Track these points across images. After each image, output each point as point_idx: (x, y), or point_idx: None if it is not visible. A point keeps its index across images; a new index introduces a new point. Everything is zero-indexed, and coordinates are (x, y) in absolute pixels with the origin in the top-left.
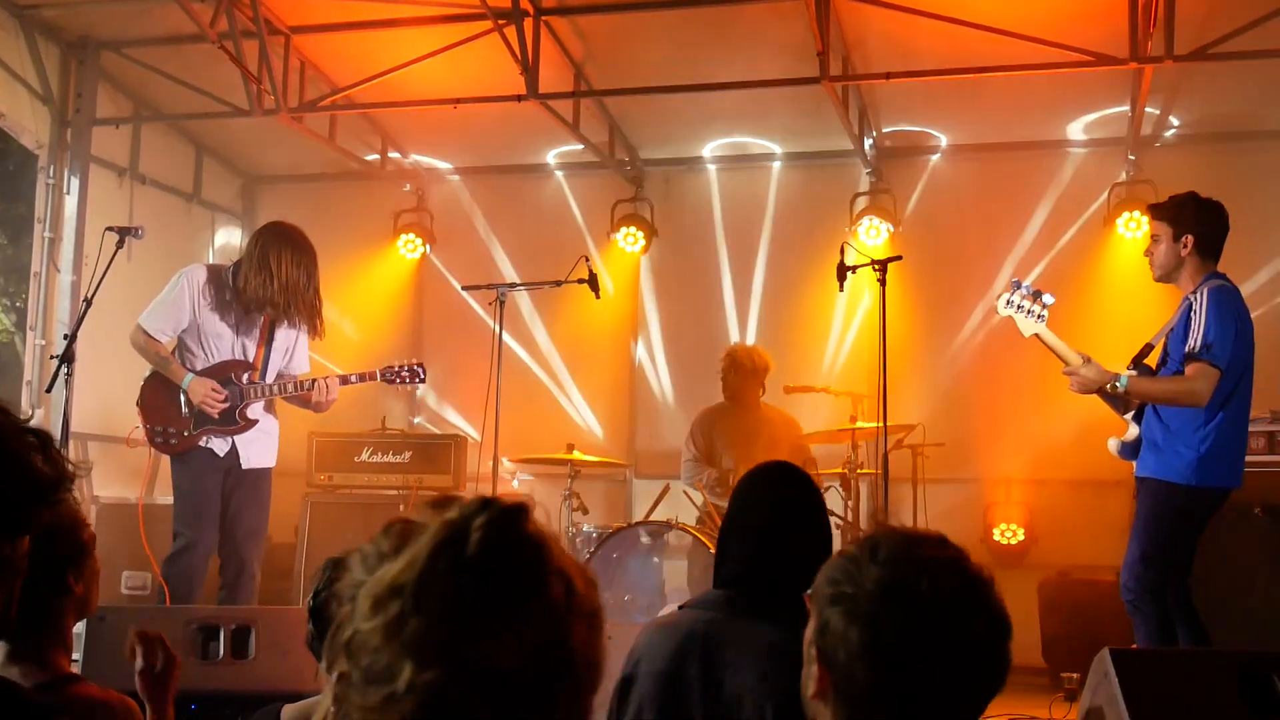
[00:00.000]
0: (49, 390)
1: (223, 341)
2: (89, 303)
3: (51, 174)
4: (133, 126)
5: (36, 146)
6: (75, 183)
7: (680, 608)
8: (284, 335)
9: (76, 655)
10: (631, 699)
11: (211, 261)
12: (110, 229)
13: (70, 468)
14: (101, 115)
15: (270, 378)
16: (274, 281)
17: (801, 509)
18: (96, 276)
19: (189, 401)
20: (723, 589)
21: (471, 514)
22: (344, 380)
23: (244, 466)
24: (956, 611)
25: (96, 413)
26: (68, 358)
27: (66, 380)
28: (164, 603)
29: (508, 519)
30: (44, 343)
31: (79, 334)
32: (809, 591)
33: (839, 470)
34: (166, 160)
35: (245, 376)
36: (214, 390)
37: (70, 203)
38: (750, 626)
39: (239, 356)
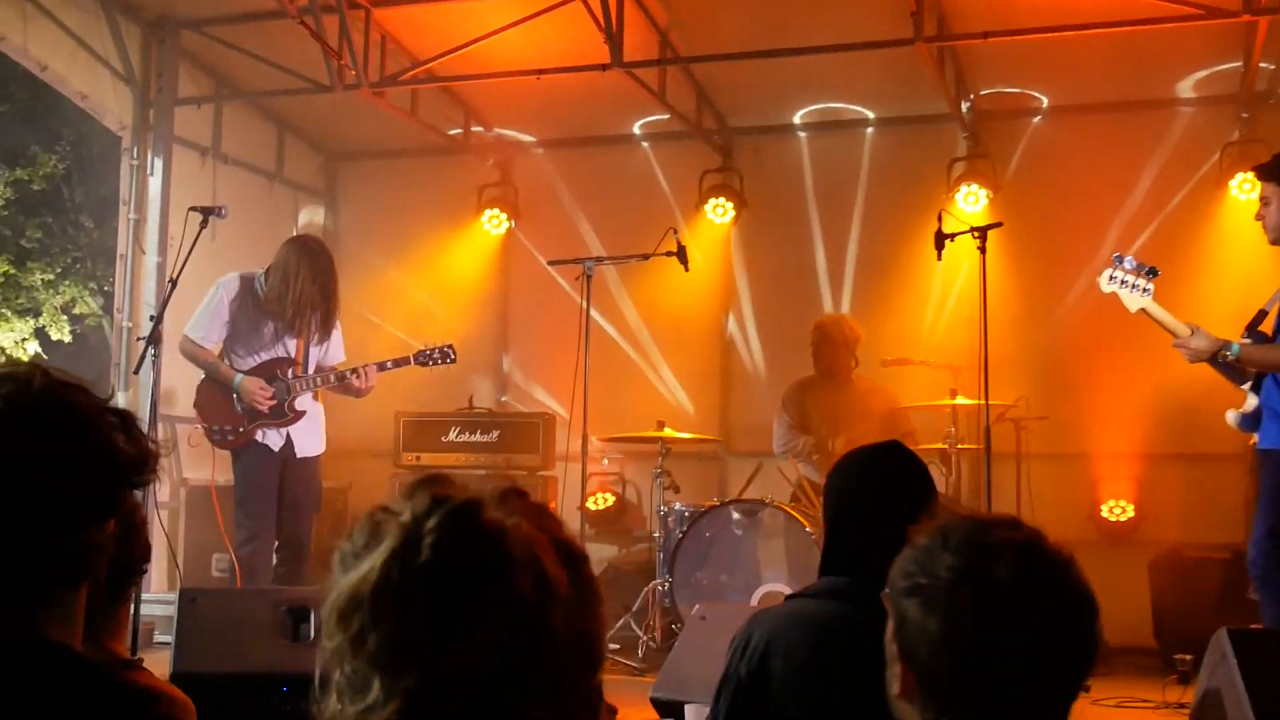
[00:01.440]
0: (136, 372)
1: (264, 341)
2: (174, 283)
3: (135, 155)
4: (214, 106)
5: (120, 128)
6: (159, 163)
7: (789, 597)
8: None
9: (167, 637)
10: (769, 697)
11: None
12: (194, 209)
13: (154, 446)
14: (183, 95)
15: (311, 370)
16: (289, 294)
17: (917, 488)
18: (181, 257)
19: (241, 399)
20: (842, 575)
21: (422, 516)
22: (381, 367)
23: (298, 455)
24: (1035, 593)
25: (184, 394)
26: (154, 339)
27: (154, 362)
28: (236, 584)
29: (460, 517)
30: (131, 325)
31: (165, 315)
32: (885, 590)
33: (939, 445)
34: (248, 139)
35: (289, 372)
36: (262, 388)
37: (154, 184)
38: (885, 615)
39: (281, 354)
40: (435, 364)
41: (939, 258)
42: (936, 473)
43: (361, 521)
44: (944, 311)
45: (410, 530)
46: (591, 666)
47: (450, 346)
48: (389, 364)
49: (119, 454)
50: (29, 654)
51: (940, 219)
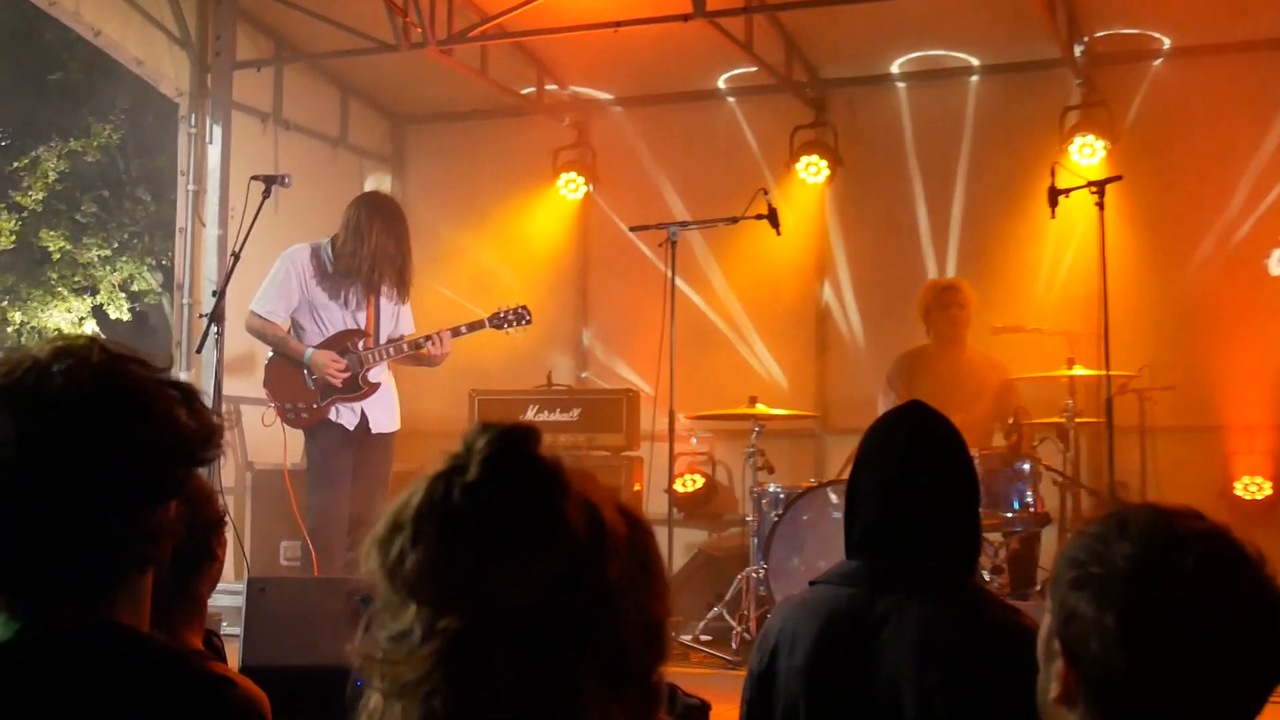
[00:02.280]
0: (199, 351)
1: (333, 313)
2: (237, 257)
3: (193, 123)
4: (274, 69)
5: (176, 94)
6: (218, 131)
7: (812, 583)
8: (389, 299)
9: (236, 629)
10: (776, 700)
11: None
12: (255, 178)
13: (217, 420)
14: (242, 58)
15: (382, 342)
16: (363, 248)
17: (938, 458)
18: (243, 229)
19: (313, 375)
20: (858, 559)
21: (472, 439)
22: (455, 332)
23: (373, 431)
24: (1225, 590)
25: (250, 374)
26: (217, 316)
27: (216, 340)
28: (312, 572)
29: (513, 440)
30: (191, 301)
31: (227, 290)
32: (1048, 578)
33: (1055, 419)
34: (311, 103)
35: (360, 343)
36: (334, 361)
37: (213, 152)
38: (900, 603)
39: (351, 326)
40: (511, 326)
41: (1052, 215)
42: (1054, 449)
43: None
44: (1059, 274)
45: (459, 454)
46: (650, 650)
47: (524, 308)
48: (463, 329)
49: (182, 430)
50: (96, 637)
51: (1053, 173)
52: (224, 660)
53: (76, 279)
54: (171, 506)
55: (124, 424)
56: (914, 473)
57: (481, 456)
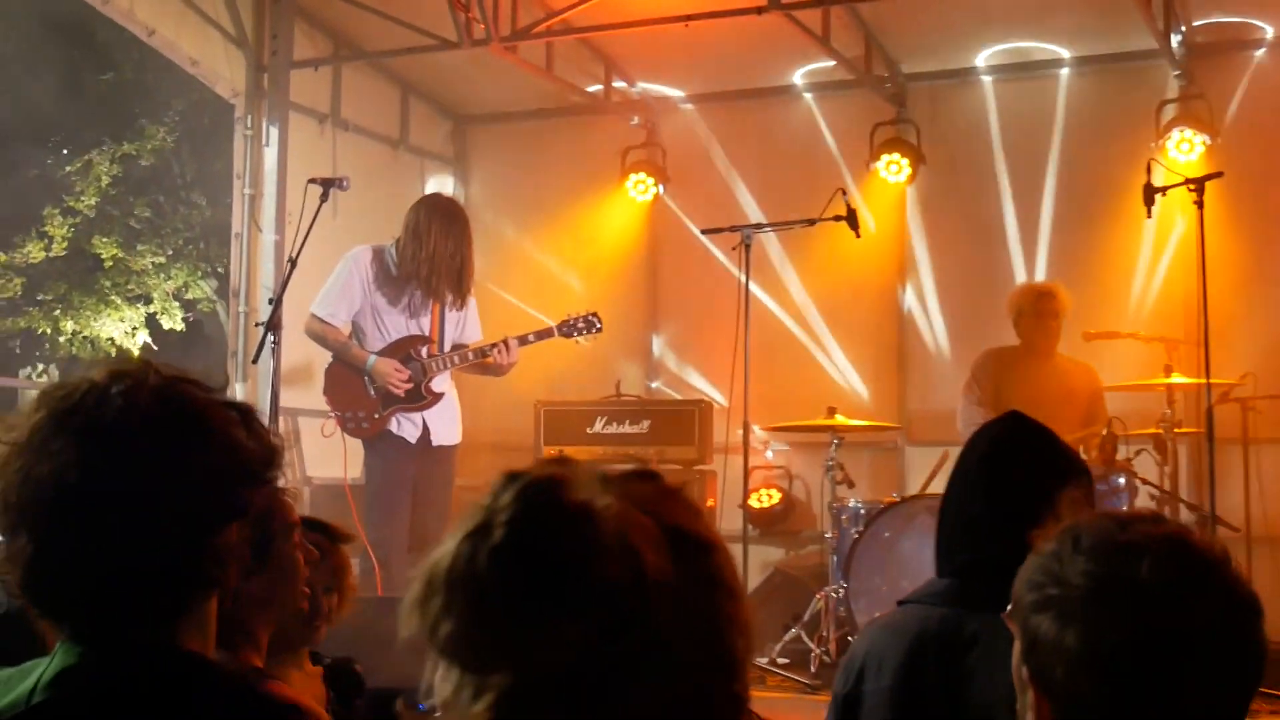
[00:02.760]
0: (255, 361)
1: (396, 318)
2: (294, 263)
3: (249, 124)
4: (333, 68)
5: (232, 95)
6: (274, 133)
7: (901, 603)
8: (449, 305)
9: None
10: (862, 717)
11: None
12: (313, 181)
13: (277, 440)
14: (299, 57)
15: (447, 349)
16: (420, 252)
17: (1042, 471)
18: (300, 234)
19: (374, 383)
20: (952, 577)
21: (497, 494)
22: (522, 340)
23: (434, 444)
24: (1187, 595)
25: (306, 384)
26: (273, 325)
27: (273, 349)
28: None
29: (536, 495)
30: (247, 310)
31: (284, 298)
32: (1007, 609)
33: (1152, 430)
34: (370, 104)
35: (424, 350)
36: (397, 369)
37: (270, 155)
38: (994, 622)
39: (414, 332)
40: (581, 334)
41: (1149, 215)
42: (1149, 461)
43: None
44: (1155, 277)
45: (485, 511)
46: (719, 671)
47: (595, 315)
48: (530, 337)
49: (242, 450)
50: (166, 664)
51: (1149, 170)
52: (361, 689)
53: (130, 287)
54: (234, 529)
55: (184, 446)
56: (1019, 487)
57: (506, 517)
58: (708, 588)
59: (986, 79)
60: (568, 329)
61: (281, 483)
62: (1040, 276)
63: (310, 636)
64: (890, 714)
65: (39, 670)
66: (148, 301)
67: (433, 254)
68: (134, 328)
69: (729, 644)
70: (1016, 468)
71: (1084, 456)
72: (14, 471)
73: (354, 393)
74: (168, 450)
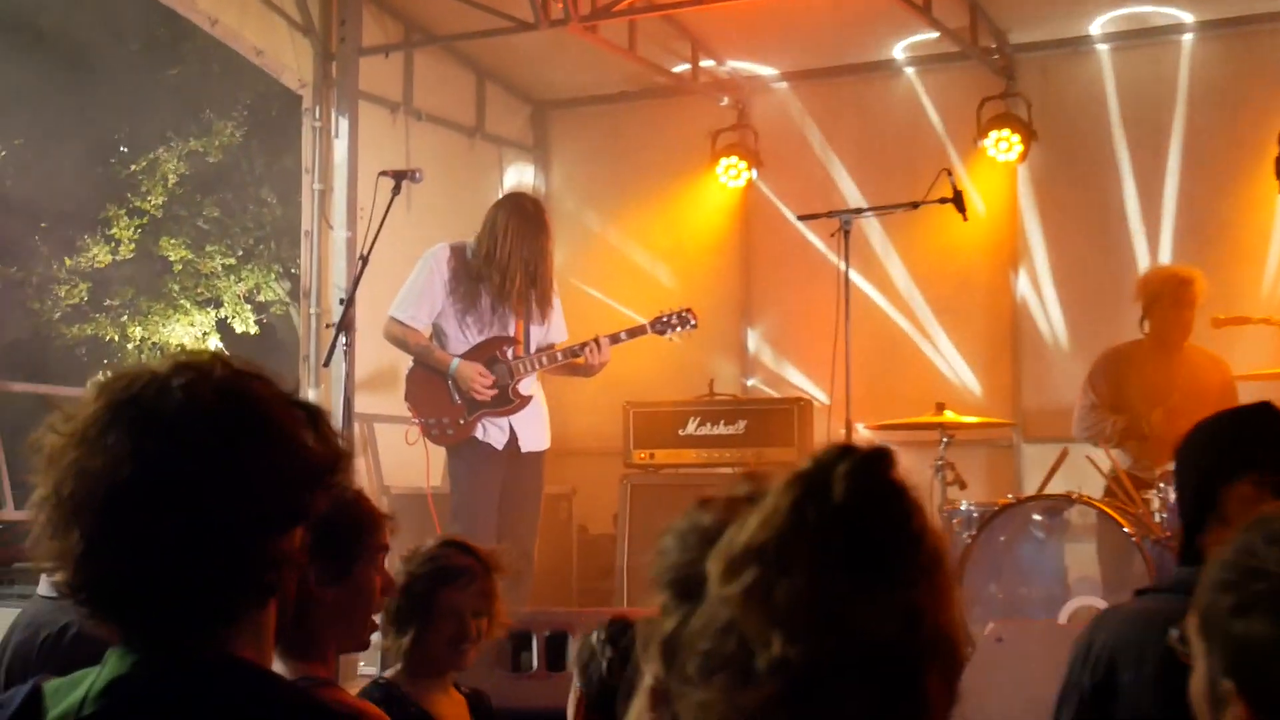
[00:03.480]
0: (326, 364)
1: (479, 319)
2: (365, 260)
3: (317, 116)
4: (404, 54)
5: (299, 86)
6: (344, 124)
7: (1139, 592)
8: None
9: (372, 668)
10: (1119, 715)
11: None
12: (385, 174)
13: (344, 445)
14: (368, 44)
15: (533, 350)
16: (496, 255)
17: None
18: (372, 230)
19: (458, 387)
20: (1195, 564)
21: (831, 461)
22: (614, 339)
23: (523, 450)
24: None
25: (383, 389)
26: (345, 325)
27: (345, 352)
28: None
29: (875, 463)
30: (319, 311)
31: (357, 297)
32: (1174, 633)
33: None
34: (444, 91)
35: (510, 352)
36: (481, 373)
37: (340, 147)
38: None
39: (499, 333)
40: (674, 331)
41: None
42: None
43: (696, 505)
44: None
45: (817, 474)
46: (959, 668)
47: (689, 311)
48: (623, 335)
49: (307, 452)
50: (219, 672)
51: None
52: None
53: (199, 290)
54: (296, 534)
55: (247, 444)
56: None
57: (846, 481)
58: (954, 587)
59: (1102, 48)
60: (661, 326)
61: (383, 506)
62: (1164, 259)
63: (457, 661)
64: (1156, 704)
65: (89, 679)
66: (218, 305)
67: (507, 259)
68: (204, 332)
69: (962, 643)
70: (1183, 465)
71: None
72: (68, 464)
73: (438, 398)
74: (227, 447)
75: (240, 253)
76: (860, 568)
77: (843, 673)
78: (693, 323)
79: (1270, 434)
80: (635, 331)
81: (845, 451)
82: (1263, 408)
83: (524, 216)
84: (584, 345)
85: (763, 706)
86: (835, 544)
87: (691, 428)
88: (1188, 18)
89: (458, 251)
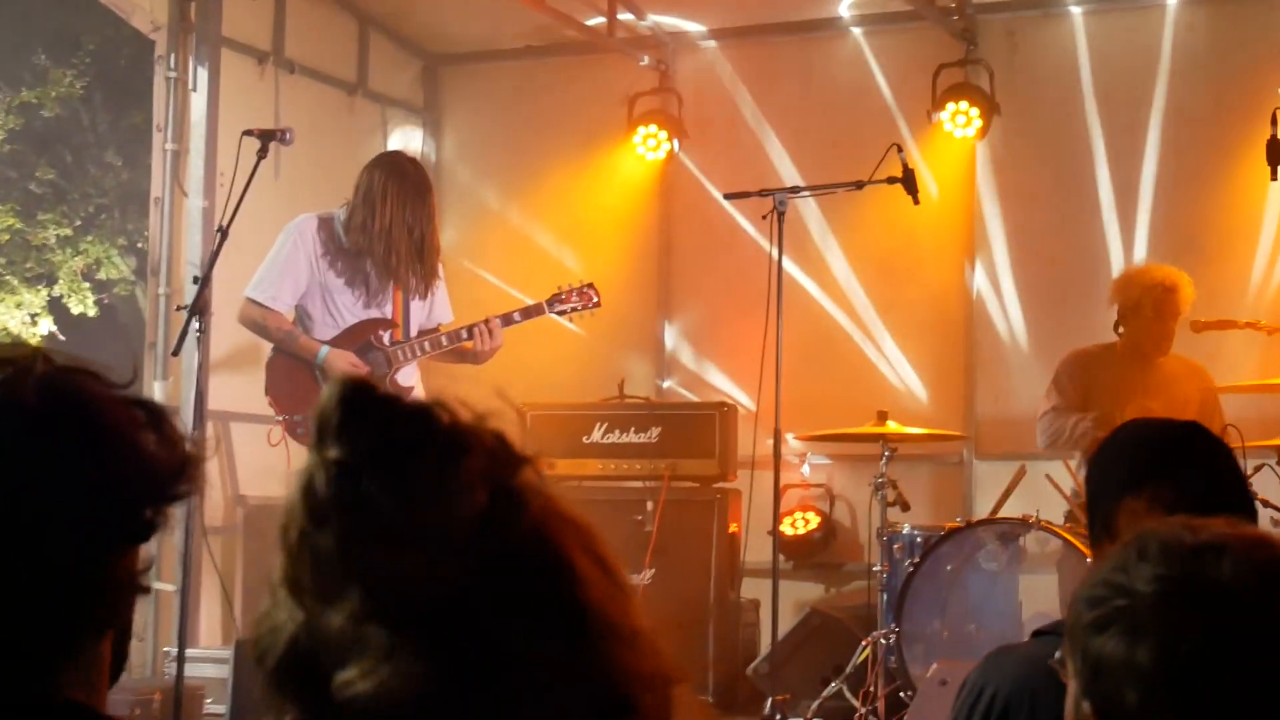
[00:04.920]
0: (176, 353)
1: (351, 300)
2: (224, 233)
3: (172, 65)
4: None
5: (152, 29)
6: (203, 75)
7: (1036, 634)
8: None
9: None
10: None
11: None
12: (249, 134)
13: (193, 450)
14: None
15: (413, 335)
16: (374, 223)
17: (1229, 483)
18: (234, 199)
19: (327, 379)
20: None
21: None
22: (506, 320)
23: None
24: (1276, 596)
25: (241, 381)
26: (199, 308)
27: (199, 339)
28: None
29: (358, 394)
30: (169, 291)
31: (214, 276)
32: (1057, 655)
33: (1276, 442)
34: (321, 40)
35: (387, 337)
36: (354, 364)
37: (197, 102)
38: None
39: (374, 315)
40: (574, 311)
41: (1273, 176)
42: (1272, 478)
43: None
44: None
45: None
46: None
47: (591, 286)
48: (516, 315)
49: (148, 460)
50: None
51: (1275, 122)
52: None
53: (29, 265)
54: (136, 554)
55: (73, 452)
56: (1207, 495)
57: (335, 424)
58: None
59: (1075, 10)
60: (558, 304)
61: (198, 504)
62: (1140, 253)
63: None
64: None
65: None
66: (52, 282)
67: (388, 227)
68: (35, 314)
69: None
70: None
71: None
72: None
73: (303, 391)
74: (52, 456)
75: (78, 222)
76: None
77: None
78: (595, 300)
79: (1162, 447)
80: (530, 312)
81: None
82: (1166, 422)
83: (403, 177)
84: (473, 328)
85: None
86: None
87: (598, 434)
88: None
89: (325, 223)
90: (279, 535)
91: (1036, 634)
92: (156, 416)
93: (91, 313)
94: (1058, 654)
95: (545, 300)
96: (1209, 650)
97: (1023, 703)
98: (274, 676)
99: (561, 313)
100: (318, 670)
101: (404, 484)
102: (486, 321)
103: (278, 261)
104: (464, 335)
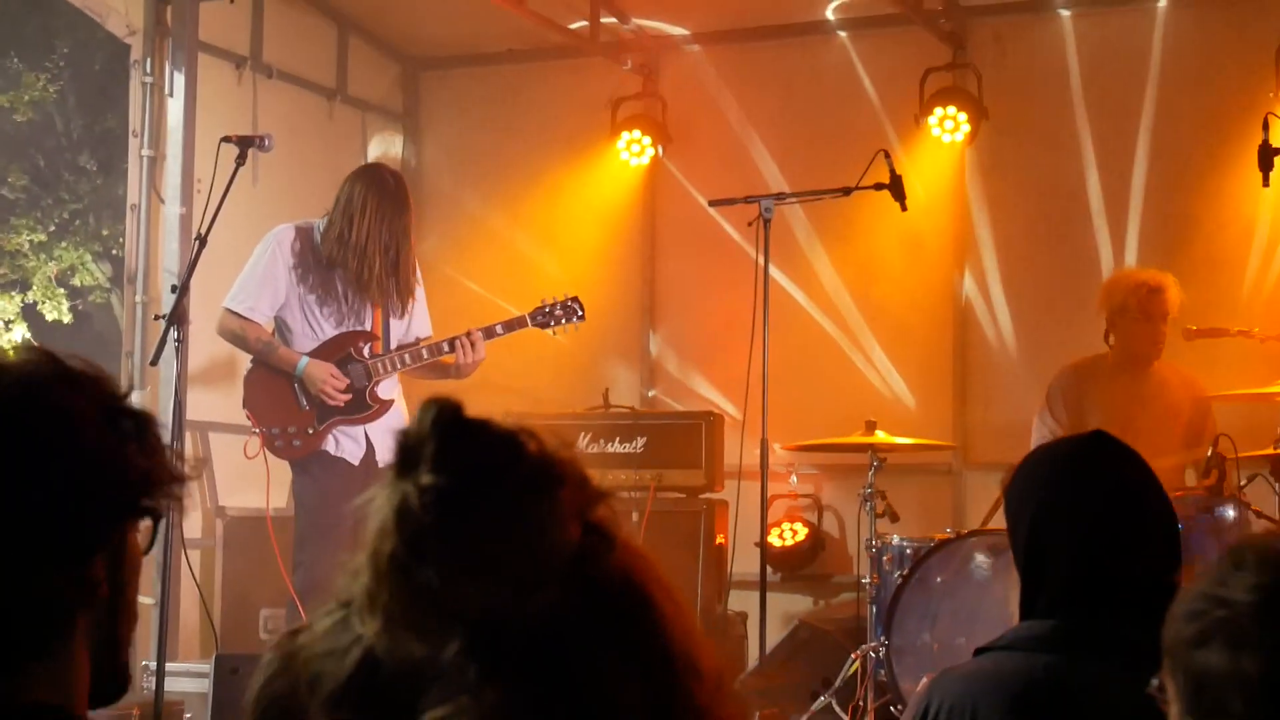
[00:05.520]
0: (154, 363)
1: (330, 312)
2: (203, 241)
3: (149, 69)
4: (253, 0)
5: (128, 33)
6: (180, 80)
7: (979, 651)
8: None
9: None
10: None
11: (301, 221)
12: (228, 140)
13: (172, 464)
14: None
15: (393, 347)
16: (351, 236)
17: (1143, 495)
18: (212, 205)
19: (306, 391)
20: (1050, 619)
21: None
22: (488, 333)
23: (380, 465)
24: None
25: (220, 392)
26: (178, 318)
27: (177, 348)
28: None
29: (447, 415)
30: (146, 299)
31: (192, 284)
32: (1154, 683)
33: (1268, 451)
34: (299, 44)
35: (367, 349)
36: (334, 375)
37: (174, 107)
38: (1107, 673)
39: (353, 327)
40: (558, 324)
41: (1265, 182)
42: (1265, 489)
43: None
44: (1275, 260)
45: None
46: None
47: (575, 300)
48: (499, 328)
49: (113, 471)
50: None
51: (1267, 127)
52: None
53: (2, 271)
54: (101, 563)
55: (50, 453)
56: (1117, 514)
57: (430, 448)
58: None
59: (1065, 13)
60: (544, 318)
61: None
62: (1131, 259)
63: None
64: None
65: None
66: (25, 289)
67: (364, 242)
68: (9, 321)
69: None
70: (1124, 498)
71: (1188, 485)
72: None
73: (282, 403)
74: (26, 456)
75: (52, 228)
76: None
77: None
78: (580, 314)
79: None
80: (513, 324)
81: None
82: (1080, 441)
83: (383, 192)
84: (454, 340)
85: None
86: (433, 527)
87: (582, 444)
88: None
89: (304, 233)
90: (369, 559)
91: (978, 651)
92: (141, 428)
93: (65, 319)
94: (1155, 681)
95: (529, 313)
96: None
97: (964, 714)
98: (334, 702)
99: (544, 325)
100: (394, 700)
101: (505, 515)
102: (468, 334)
103: (256, 272)
104: (445, 348)
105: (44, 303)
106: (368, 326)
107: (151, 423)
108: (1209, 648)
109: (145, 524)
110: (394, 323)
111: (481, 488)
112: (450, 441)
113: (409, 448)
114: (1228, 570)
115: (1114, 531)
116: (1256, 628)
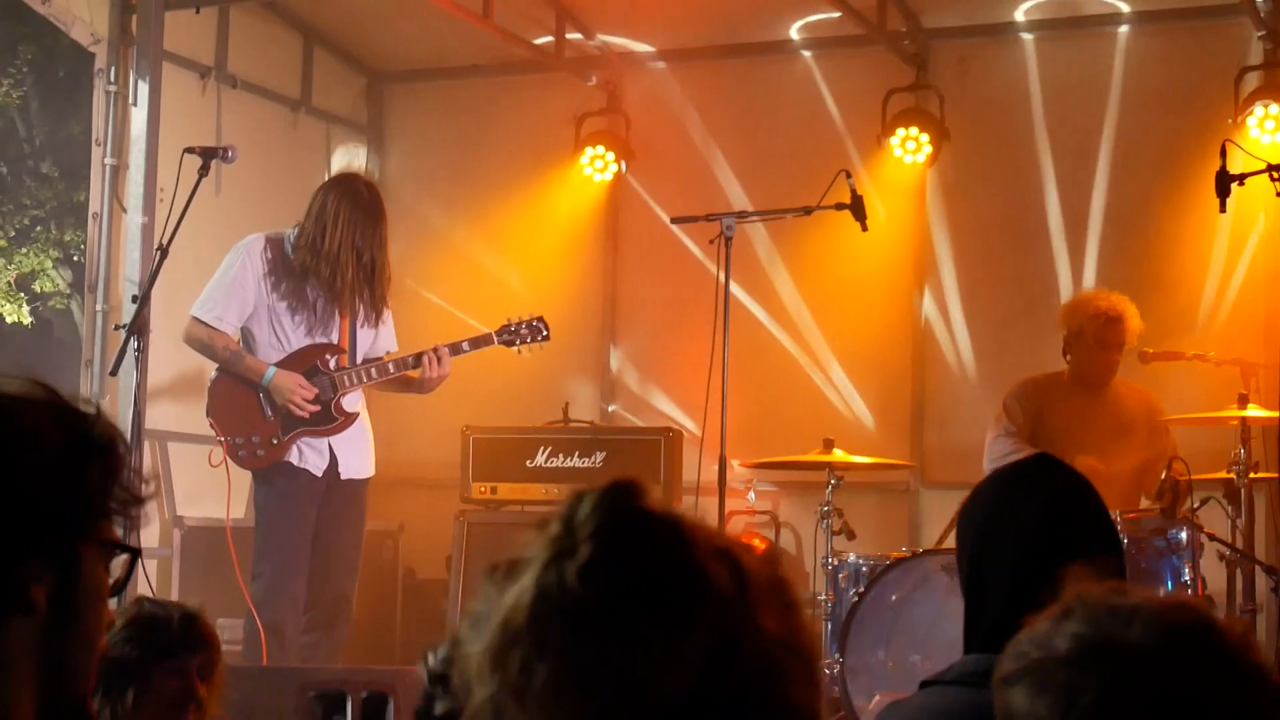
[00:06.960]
0: (114, 372)
1: (297, 323)
2: (164, 251)
3: (113, 78)
4: (218, 10)
5: (92, 42)
6: (144, 90)
7: (924, 684)
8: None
9: None
10: None
11: (272, 232)
12: (191, 150)
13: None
14: None
15: (359, 360)
16: (323, 244)
17: (1087, 524)
18: (174, 215)
19: (273, 401)
20: (990, 650)
21: (571, 510)
22: (455, 349)
23: (343, 477)
24: (1180, 661)
25: (180, 401)
26: (138, 328)
27: (138, 358)
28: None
29: (619, 501)
30: (107, 308)
31: (153, 295)
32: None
33: (1222, 475)
34: (264, 56)
35: (333, 361)
36: (302, 385)
37: (138, 116)
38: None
39: (320, 339)
40: (524, 343)
41: (1222, 208)
42: (1219, 512)
43: (488, 574)
44: (1230, 285)
45: (561, 533)
46: (814, 687)
47: (541, 320)
48: (465, 345)
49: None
50: None
51: (1224, 154)
52: None
53: None
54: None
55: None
56: (1060, 543)
57: (590, 530)
58: (783, 595)
59: (1027, 36)
60: (509, 336)
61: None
62: (1089, 280)
63: None
64: None
65: None
66: None
67: (336, 250)
68: None
69: (808, 645)
70: (1066, 527)
71: (1143, 503)
72: None
73: (247, 413)
74: None
75: (14, 233)
76: (629, 620)
77: None
78: (545, 334)
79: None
80: (479, 342)
81: (580, 499)
82: (1024, 462)
83: (357, 201)
84: (421, 355)
85: None
86: (587, 609)
87: (541, 459)
88: (1124, 7)
89: (274, 243)
90: (504, 631)
91: (924, 685)
92: (105, 449)
93: (27, 320)
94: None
95: (495, 330)
96: (1106, 706)
97: None
98: None
99: (510, 344)
100: None
101: (662, 605)
102: (435, 350)
103: (224, 281)
104: (411, 363)
105: (4, 306)
106: (334, 339)
107: (115, 445)
108: (1019, 686)
109: (123, 558)
110: (361, 335)
111: (640, 581)
112: (614, 524)
113: (568, 520)
114: (1059, 616)
115: (1050, 542)
116: (1062, 675)
